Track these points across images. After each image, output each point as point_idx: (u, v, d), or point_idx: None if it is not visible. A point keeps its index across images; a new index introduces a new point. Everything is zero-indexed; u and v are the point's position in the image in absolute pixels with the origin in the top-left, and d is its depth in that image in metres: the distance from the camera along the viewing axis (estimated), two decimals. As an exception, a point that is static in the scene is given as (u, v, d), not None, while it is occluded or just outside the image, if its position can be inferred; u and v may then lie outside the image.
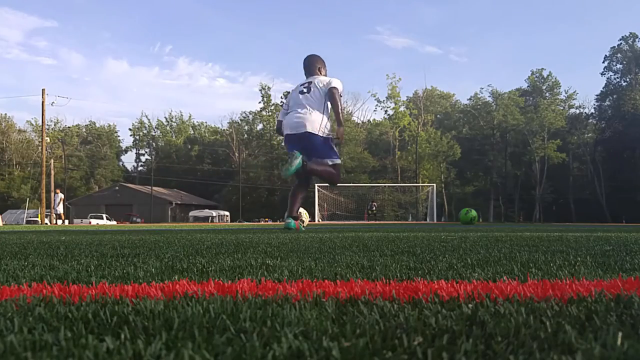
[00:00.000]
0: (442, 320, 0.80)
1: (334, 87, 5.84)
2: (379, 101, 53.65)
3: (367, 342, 0.67)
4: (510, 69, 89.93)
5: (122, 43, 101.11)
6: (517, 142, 51.40)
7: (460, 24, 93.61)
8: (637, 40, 50.69)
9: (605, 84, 52.36)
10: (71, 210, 49.80)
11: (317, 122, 5.76)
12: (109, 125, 70.16)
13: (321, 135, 5.79)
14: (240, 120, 65.32)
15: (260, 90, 61.40)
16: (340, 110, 5.85)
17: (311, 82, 6.03)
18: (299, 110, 5.84)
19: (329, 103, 5.90)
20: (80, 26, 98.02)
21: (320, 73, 6.19)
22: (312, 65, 6.21)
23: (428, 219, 34.82)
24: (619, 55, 51.42)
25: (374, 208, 33.80)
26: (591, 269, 1.59)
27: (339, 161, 6.02)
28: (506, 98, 50.94)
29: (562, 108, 52.80)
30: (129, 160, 74.30)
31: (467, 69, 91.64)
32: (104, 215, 45.43)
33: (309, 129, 5.74)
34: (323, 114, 5.84)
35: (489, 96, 53.56)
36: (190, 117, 72.84)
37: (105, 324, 0.81)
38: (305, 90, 5.97)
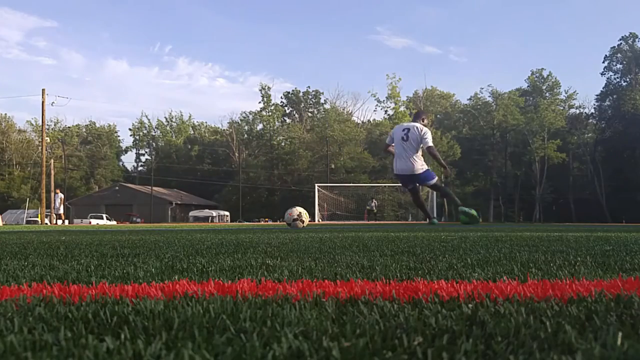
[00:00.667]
0: (442, 320, 0.80)
1: (431, 147, 7.83)
2: (379, 101, 53.67)
3: (367, 342, 0.67)
4: (510, 69, 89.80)
5: (122, 43, 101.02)
6: (517, 142, 51.38)
7: (460, 24, 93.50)
8: (637, 40, 50.67)
9: (605, 84, 52.34)
10: (71, 210, 49.77)
11: (416, 164, 7.86)
12: (109, 125, 70.12)
13: (420, 170, 7.88)
14: (240, 120, 65.27)
15: (260, 90, 61.42)
16: (440, 158, 8.10)
17: (409, 129, 7.93)
18: (402, 156, 7.92)
19: (419, 145, 7.90)
20: (80, 26, 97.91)
21: (423, 122, 8.16)
22: (418, 117, 8.27)
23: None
24: (619, 55, 51.39)
25: (374, 207, 33.59)
26: (591, 269, 1.59)
27: (434, 181, 8.14)
28: (506, 98, 50.90)
29: (562, 108, 52.77)
30: (129, 160, 74.32)
31: (467, 69, 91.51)
32: (104, 215, 45.41)
33: (411, 172, 7.90)
34: (418, 156, 7.90)
35: (489, 96, 53.53)
36: (190, 117, 72.77)
37: (105, 324, 0.81)
38: (405, 137, 7.89)
